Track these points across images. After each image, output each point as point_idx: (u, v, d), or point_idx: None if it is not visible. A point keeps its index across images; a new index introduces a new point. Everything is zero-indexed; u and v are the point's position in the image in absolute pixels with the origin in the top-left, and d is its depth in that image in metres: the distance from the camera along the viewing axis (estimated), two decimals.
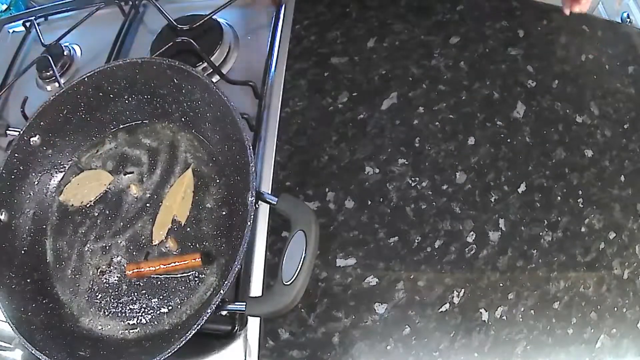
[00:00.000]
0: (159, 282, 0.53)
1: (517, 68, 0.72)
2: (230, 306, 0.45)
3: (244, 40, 0.73)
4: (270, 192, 0.50)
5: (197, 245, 0.54)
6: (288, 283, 0.43)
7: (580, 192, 0.65)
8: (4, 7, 0.94)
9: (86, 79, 0.55)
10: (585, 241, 0.62)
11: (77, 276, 0.54)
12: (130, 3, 0.79)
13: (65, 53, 0.76)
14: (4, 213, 0.53)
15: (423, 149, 0.64)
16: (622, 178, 0.67)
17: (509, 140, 0.66)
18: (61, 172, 0.59)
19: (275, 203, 0.48)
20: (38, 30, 0.78)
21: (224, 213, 0.55)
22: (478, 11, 0.77)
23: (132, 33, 0.77)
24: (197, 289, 0.52)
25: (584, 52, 0.76)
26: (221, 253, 0.53)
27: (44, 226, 0.56)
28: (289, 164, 0.62)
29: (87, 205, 0.57)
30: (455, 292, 0.57)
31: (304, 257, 0.43)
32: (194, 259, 0.51)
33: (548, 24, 0.78)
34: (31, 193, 0.56)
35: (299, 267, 0.43)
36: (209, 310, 0.43)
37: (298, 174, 0.62)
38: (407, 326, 0.55)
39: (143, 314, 0.52)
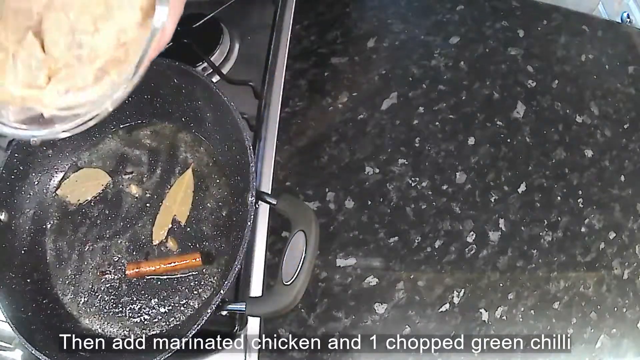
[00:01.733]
0: (159, 282, 0.53)
1: (517, 68, 0.72)
2: (230, 306, 0.45)
3: (244, 40, 0.73)
4: (270, 192, 0.50)
5: (197, 245, 0.54)
6: (288, 283, 0.43)
7: (580, 192, 0.65)
8: None
9: None
10: (585, 241, 0.62)
11: (77, 276, 0.54)
12: None
13: None
14: (4, 213, 0.53)
15: (423, 149, 0.64)
16: (622, 178, 0.67)
17: (509, 140, 0.66)
18: (61, 172, 0.59)
19: (275, 203, 0.48)
20: None
21: (224, 213, 0.55)
22: (478, 11, 0.77)
23: None
24: (197, 289, 0.52)
25: (584, 52, 0.76)
26: (221, 253, 0.53)
27: (44, 226, 0.56)
28: (289, 164, 0.62)
29: (87, 205, 0.57)
30: (455, 292, 0.57)
31: (304, 257, 0.43)
32: (194, 259, 0.51)
33: (548, 24, 0.78)
34: (31, 193, 0.56)
35: (299, 267, 0.43)
36: (209, 310, 0.43)
37: (298, 174, 0.62)
38: (407, 326, 0.55)
39: (143, 314, 0.52)
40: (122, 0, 0.36)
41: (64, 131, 0.37)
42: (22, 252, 0.54)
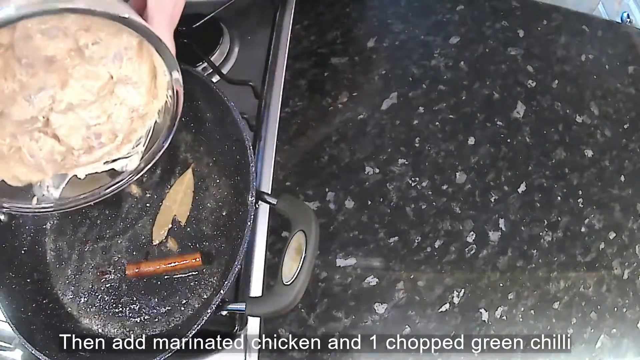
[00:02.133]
0: (159, 282, 0.53)
1: (517, 68, 0.72)
2: (230, 306, 0.45)
3: (244, 40, 0.73)
4: (270, 192, 0.50)
5: (197, 245, 0.54)
6: (288, 283, 0.43)
7: (580, 192, 0.65)
8: None
9: None
10: (585, 241, 0.62)
11: (77, 276, 0.54)
12: None
13: None
14: (4, 213, 0.53)
15: (423, 149, 0.64)
16: (622, 178, 0.67)
17: (509, 140, 0.66)
18: None
19: (275, 203, 0.48)
20: None
21: (224, 213, 0.55)
22: (478, 11, 0.77)
23: None
24: (197, 289, 0.52)
25: (584, 52, 0.76)
26: (221, 253, 0.53)
27: (44, 226, 0.56)
28: (289, 164, 0.62)
29: (87, 205, 0.57)
30: (455, 292, 0.57)
31: (304, 257, 0.43)
32: (194, 259, 0.51)
33: (548, 24, 0.78)
34: None
35: (299, 267, 0.43)
36: (209, 310, 0.43)
37: (298, 174, 0.62)
38: (407, 326, 0.55)
39: (143, 314, 0.52)
40: (127, 90, 0.37)
41: (104, 196, 0.42)
42: (22, 252, 0.54)
